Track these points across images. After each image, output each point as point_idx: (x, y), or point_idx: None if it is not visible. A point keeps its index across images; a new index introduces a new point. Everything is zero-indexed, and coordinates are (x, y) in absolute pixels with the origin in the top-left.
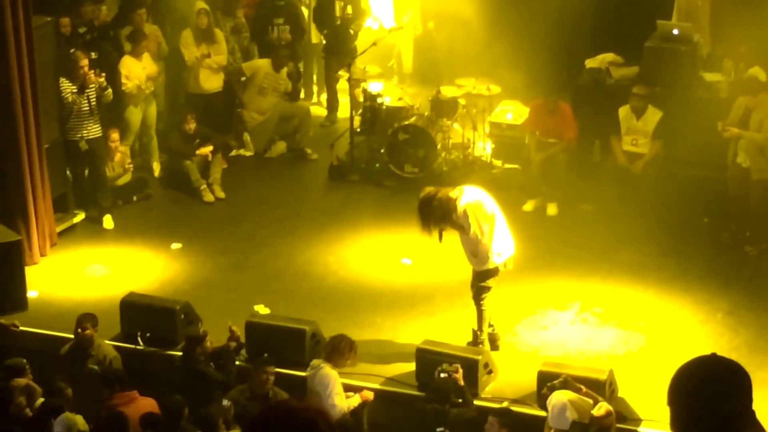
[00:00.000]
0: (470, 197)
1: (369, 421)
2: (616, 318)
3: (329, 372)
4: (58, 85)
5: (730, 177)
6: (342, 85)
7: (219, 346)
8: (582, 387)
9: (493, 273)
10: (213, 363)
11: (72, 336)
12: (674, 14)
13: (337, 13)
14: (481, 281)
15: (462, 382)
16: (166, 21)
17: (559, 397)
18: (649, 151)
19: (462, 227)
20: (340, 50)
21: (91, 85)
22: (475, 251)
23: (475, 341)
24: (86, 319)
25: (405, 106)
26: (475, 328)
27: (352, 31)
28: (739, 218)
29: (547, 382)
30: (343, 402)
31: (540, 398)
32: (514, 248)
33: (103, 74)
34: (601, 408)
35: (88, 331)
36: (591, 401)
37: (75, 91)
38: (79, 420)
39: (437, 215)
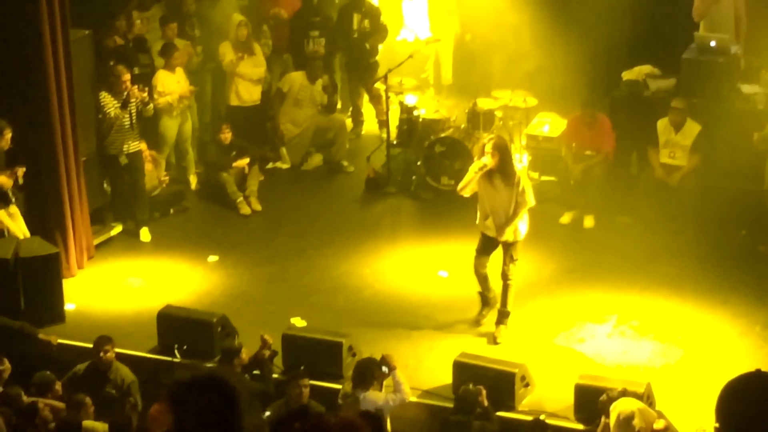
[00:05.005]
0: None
1: (393, 430)
2: (654, 331)
3: (373, 394)
4: (96, 98)
5: None
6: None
7: (252, 356)
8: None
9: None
10: (248, 374)
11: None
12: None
13: (355, 26)
14: (516, 256)
15: (486, 403)
16: (207, 33)
17: (628, 405)
18: (687, 164)
19: (512, 178)
20: (357, 65)
21: (132, 100)
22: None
23: (502, 319)
24: (105, 341)
25: (441, 119)
26: (502, 308)
27: (368, 46)
28: None
29: (584, 395)
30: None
31: (601, 405)
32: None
33: (146, 89)
34: (661, 422)
35: (109, 354)
36: (655, 413)
37: (118, 106)
38: (99, 427)
39: (502, 144)
